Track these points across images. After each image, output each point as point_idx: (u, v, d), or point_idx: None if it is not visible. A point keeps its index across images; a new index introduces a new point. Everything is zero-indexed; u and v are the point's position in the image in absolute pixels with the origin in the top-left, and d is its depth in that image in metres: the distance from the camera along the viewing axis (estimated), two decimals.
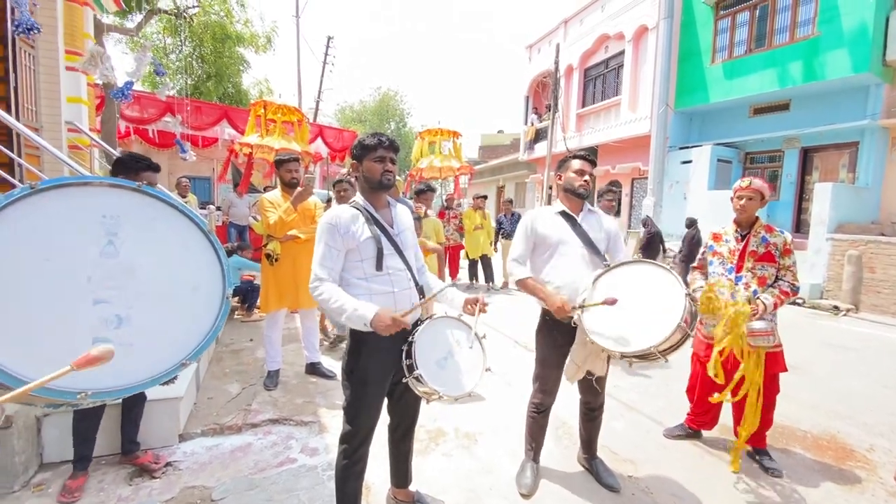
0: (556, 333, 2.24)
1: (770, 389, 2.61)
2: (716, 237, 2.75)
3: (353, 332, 1.80)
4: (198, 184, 10.76)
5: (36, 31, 3.48)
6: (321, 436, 2.80)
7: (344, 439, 1.84)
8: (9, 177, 3.40)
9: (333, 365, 3.84)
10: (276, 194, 3.42)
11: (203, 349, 1.34)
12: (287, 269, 3.39)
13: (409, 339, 1.76)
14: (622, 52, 12.82)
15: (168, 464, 2.43)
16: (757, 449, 2.69)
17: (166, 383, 1.36)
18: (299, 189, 3.27)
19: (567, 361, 2.21)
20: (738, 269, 2.61)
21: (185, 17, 11.44)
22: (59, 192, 1.13)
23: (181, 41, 13.91)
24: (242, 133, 8.15)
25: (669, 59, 10.29)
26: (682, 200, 11.05)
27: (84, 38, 5.25)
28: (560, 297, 2.07)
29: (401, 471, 2.11)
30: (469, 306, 1.87)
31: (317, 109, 20.42)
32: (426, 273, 2.03)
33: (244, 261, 5.62)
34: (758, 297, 2.48)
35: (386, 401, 1.94)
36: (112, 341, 1.12)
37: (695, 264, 2.88)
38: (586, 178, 2.23)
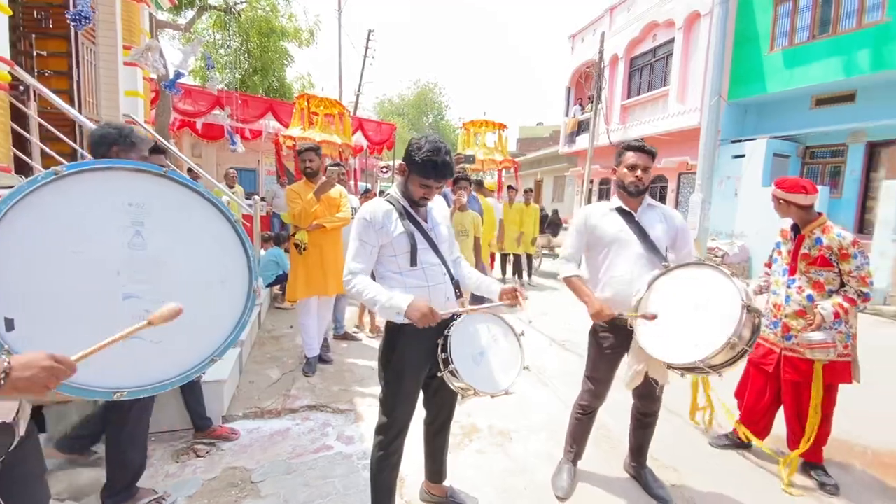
0: (611, 335, 2.15)
1: (826, 401, 2.43)
2: (783, 234, 2.57)
3: (390, 325, 1.81)
4: (243, 175, 11.15)
5: (88, 23, 3.63)
6: (356, 424, 2.85)
7: (380, 431, 1.85)
8: None
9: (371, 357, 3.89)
10: (300, 184, 3.50)
11: (230, 345, 1.33)
12: (315, 258, 3.48)
13: (446, 332, 1.74)
14: (671, 41, 12.22)
15: (213, 443, 2.54)
16: (812, 463, 2.52)
17: (198, 377, 1.37)
18: (322, 181, 3.33)
19: (627, 367, 2.12)
20: (791, 271, 2.44)
21: (233, 13, 11.82)
22: (82, 177, 1.07)
23: (229, 36, 14.40)
24: (286, 126, 8.37)
25: (723, 47, 9.71)
26: (734, 197, 10.48)
27: (140, 34, 5.52)
28: (599, 302, 1.99)
29: (435, 466, 2.11)
30: (506, 297, 1.82)
31: (357, 102, 20.68)
32: (462, 265, 1.99)
33: (282, 253, 5.73)
34: (815, 305, 2.30)
35: (422, 395, 1.93)
36: (143, 339, 1.11)
37: (765, 260, 2.72)
38: (639, 172, 2.05)
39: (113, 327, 0.95)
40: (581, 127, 15.82)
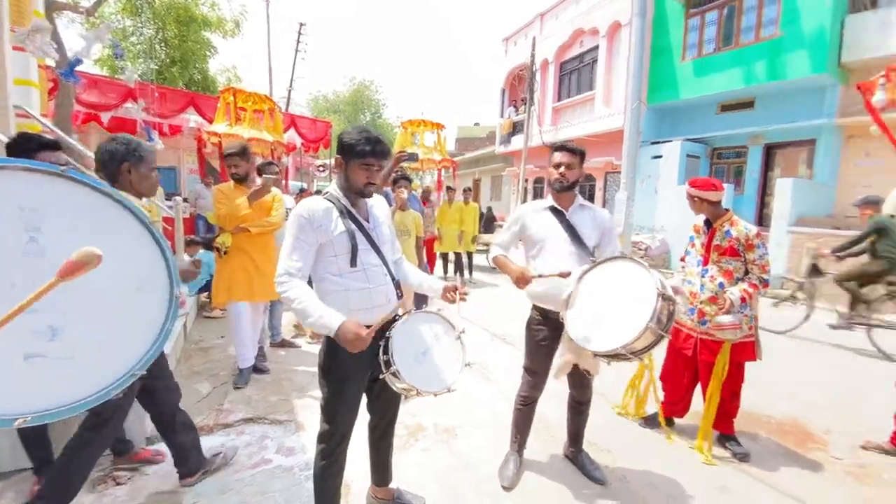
0: (544, 328, 2.24)
1: (736, 378, 2.70)
2: (695, 229, 2.81)
3: None
4: (163, 174, 10.29)
5: None
6: (297, 434, 2.73)
7: (322, 439, 1.79)
8: None
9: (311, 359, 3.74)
10: (229, 186, 3.32)
11: (153, 356, 1.24)
12: (238, 262, 3.31)
13: (387, 334, 1.72)
14: (597, 47, 12.95)
15: (135, 468, 2.31)
16: (726, 435, 2.79)
17: (118, 396, 1.24)
18: (256, 187, 3.20)
19: (556, 357, 2.21)
20: (705, 262, 2.68)
21: None
22: None
23: (142, 23, 13.21)
24: (210, 121, 7.82)
25: (642, 55, 10.50)
26: (654, 195, 11.32)
27: (33, 17, 4.90)
28: (519, 268, 2.11)
29: (381, 469, 2.07)
30: (448, 294, 1.85)
31: (289, 98, 19.86)
32: (403, 265, 1.98)
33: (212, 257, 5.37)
34: (725, 291, 2.55)
35: (365, 398, 1.89)
36: (47, 356, 1.02)
37: (681, 255, 2.95)
38: (562, 169, 2.18)
39: (10, 345, 0.83)
40: (516, 128, 16.31)
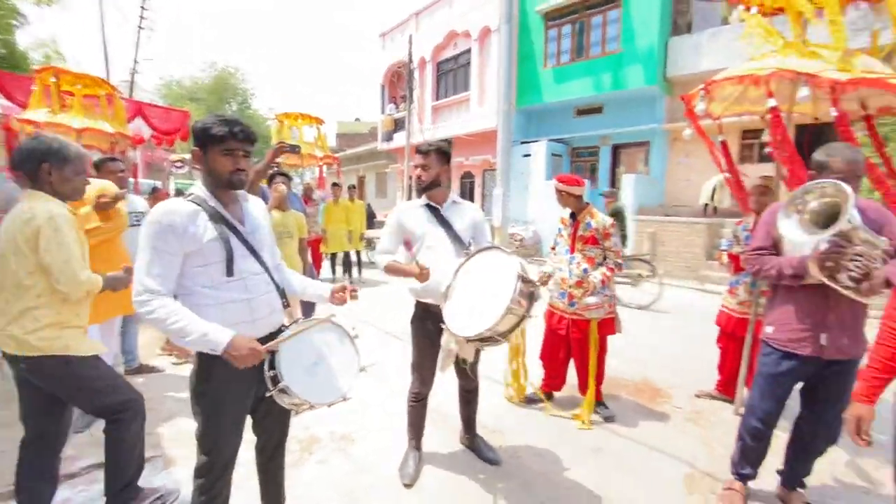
0: (428, 322, 2.28)
1: (601, 350, 3.08)
2: (562, 221, 3.11)
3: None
4: None
5: None
6: (167, 471, 2.37)
7: (200, 472, 1.58)
8: None
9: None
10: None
11: None
12: None
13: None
14: (469, 50, 13.57)
15: None
16: (595, 401, 3.16)
17: None
18: (104, 200, 2.74)
19: (440, 351, 2.25)
20: (571, 250, 3.00)
21: None
22: None
23: None
24: (24, 106, 6.35)
25: (510, 60, 11.32)
26: (525, 190, 12.32)
27: None
28: (415, 266, 2.09)
29: (272, 492, 1.90)
30: (337, 295, 1.77)
31: (132, 83, 17.14)
32: (284, 270, 1.83)
33: None
34: (588, 276, 2.88)
35: (250, 419, 1.72)
36: None
37: (551, 245, 3.22)
38: (418, 171, 2.25)
39: None
40: (398, 125, 16.35)
